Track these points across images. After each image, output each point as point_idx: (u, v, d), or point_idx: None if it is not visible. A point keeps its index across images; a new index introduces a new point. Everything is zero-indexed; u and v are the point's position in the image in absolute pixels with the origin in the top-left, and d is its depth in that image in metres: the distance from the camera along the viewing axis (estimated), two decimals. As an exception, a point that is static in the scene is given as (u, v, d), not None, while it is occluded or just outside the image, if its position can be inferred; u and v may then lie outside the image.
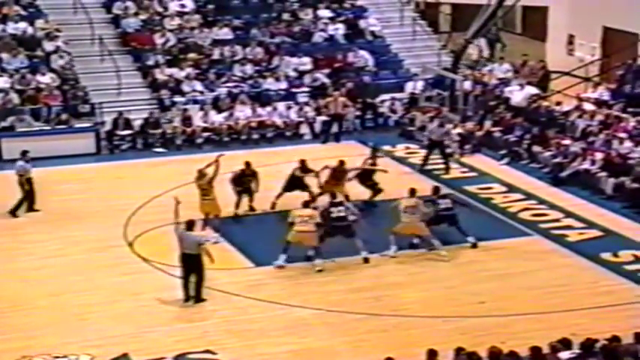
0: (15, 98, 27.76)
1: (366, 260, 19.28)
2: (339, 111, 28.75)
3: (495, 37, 33.76)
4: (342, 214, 19.40)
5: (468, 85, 30.26)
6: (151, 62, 30.07)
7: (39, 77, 28.48)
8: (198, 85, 29.60)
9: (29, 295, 17.85)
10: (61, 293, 17.88)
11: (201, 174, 20.55)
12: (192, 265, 17.39)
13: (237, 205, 21.61)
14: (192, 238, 17.50)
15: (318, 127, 29.11)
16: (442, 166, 25.57)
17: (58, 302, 17.51)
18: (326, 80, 30.57)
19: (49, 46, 29.59)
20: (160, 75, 29.63)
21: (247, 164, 22.02)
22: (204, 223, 20.22)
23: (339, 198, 20.93)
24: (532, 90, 29.40)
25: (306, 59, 31.14)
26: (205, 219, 20.31)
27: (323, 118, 29.04)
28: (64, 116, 27.40)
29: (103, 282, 18.39)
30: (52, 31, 29.98)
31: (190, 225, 17.65)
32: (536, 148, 25.93)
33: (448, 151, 26.40)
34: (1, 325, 16.65)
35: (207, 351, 15.75)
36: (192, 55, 30.47)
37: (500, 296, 17.82)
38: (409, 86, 30.85)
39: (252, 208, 21.96)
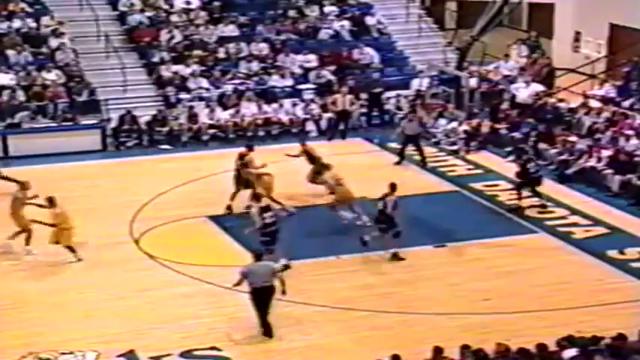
0: (21, 95, 27.81)
1: (287, 267, 18.43)
2: (346, 107, 28.76)
3: (535, 42, 33.54)
4: (273, 219, 18.68)
5: (473, 82, 30.24)
6: (156, 59, 30.09)
7: (44, 74, 28.52)
8: (204, 82, 29.60)
9: (35, 291, 17.88)
10: (67, 290, 17.91)
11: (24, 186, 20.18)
12: (266, 297, 16.09)
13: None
14: (266, 268, 16.21)
15: (324, 124, 29.11)
16: (419, 159, 25.72)
17: (64, 299, 17.54)
18: (331, 77, 30.56)
19: (54, 42, 29.64)
20: (166, 72, 29.64)
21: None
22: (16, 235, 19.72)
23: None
24: (538, 87, 29.38)
25: (312, 56, 31.12)
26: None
27: (329, 115, 29.03)
28: (69, 113, 27.45)
29: (109, 279, 18.39)
30: (57, 27, 30.03)
31: (259, 256, 16.52)
32: (542, 145, 25.89)
33: (455, 147, 26.52)
34: (8, 321, 16.69)
35: (213, 347, 15.77)
36: (197, 52, 30.48)
37: (505, 293, 17.81)
38: (415, 83, 30.83)
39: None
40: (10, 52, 29.12)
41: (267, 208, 18.69)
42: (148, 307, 17.21)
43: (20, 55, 29.08)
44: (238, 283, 16.24)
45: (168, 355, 15.49)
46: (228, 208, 21.65)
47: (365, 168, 25.05)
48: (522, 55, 32.73)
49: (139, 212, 21.64)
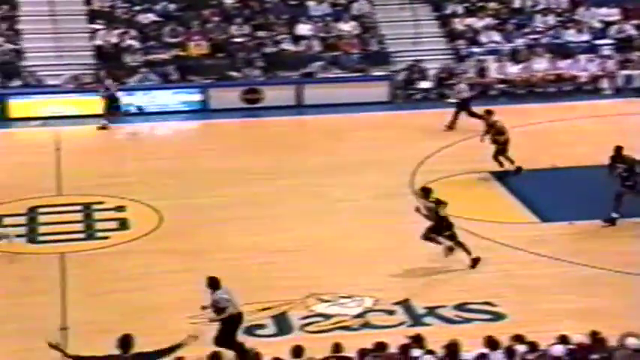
0: (316, 45, 28.73)
1: None
2: None
3: None
4: None
5: None
6: (449, 11, 30.04)
7: (341, 25, 29.27)
8: (496, 36, 29.28)
9: (319, 235, 18.46)
10: (349, 236, 18.34)
11: None
12: (241, 321, 14.25)
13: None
14: (232, 291, 14.20)
15: (620, 81, 27.97)
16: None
17: (346, 245, 17.97)
18: (634, 32, 29.20)
19: (352, -7, 30.28)
20: (459, 25, 29.56)
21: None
22: None
23: None
24: None
25: (615, 10, 29.87)
26: None
27: (627, 72, 27.85)
28: (361, 64, 28.07)
29: (388, 228, 18.66)
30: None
31: (217, 280, 14.06)
32: None
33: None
34: (292, 262, 17.35)
35: (488, 303, 15.69)
36: (492, 5, 30.13)
37: None
38: None
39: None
40: (311, 3, 30.08)
41: None
42: (424, 257, 17.34)
43: (320, 6, 29.97)
44: (230, 314, 13.90)
45: (442, 306, 15.60)
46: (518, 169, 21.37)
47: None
48: None
49: (421, 164, 21.83)
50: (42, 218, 19.57)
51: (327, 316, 15.43)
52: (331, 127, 25.13)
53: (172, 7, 29.67)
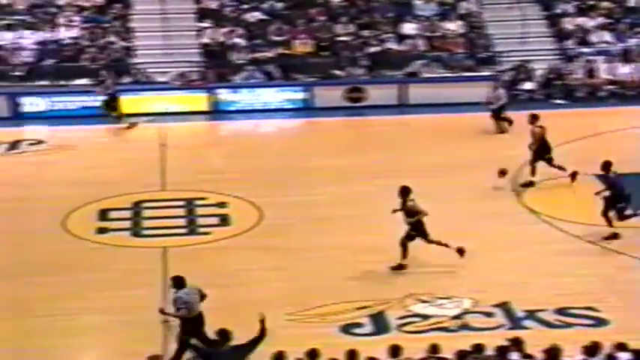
0: (421, 44, 28.58)
1: None
2: None
3: None
4: None
5: None
6: (559, 11, 29.53)
7: (446, 24, 29.06)
8: (607, 36, 28.68)
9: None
10: (449, 237, 17.88)
11: None
12: (202, 324, 14.15)
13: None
14: (196, 294, 14.22)
15: None
16: None
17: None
18: None
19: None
20: (568, 24, 29.05)
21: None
22: None
23: None
24: None
25: None
26: None
27: None
28: (467, 63, 27.82)
29: (488, 230, 18.47)
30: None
31: (182, 280, 14.22)
32: None
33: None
34: (391, 262, 17.15)
35: (590, 308, 15.43)
36: (605, 4, 29.53)
37: None
38: None
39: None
40: (418, 2, 29.93)
41: None
42: (525, 260, 17.16)
43: (427, 5, 29.81)
44: (181, 315, 13.92)
45: (542, 310, 15.39)
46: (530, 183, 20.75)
47: None
48: None
49: (524, 166, 21.46)
50: (146, 213, 19.99)
51: (424, 317, 15.42)
52: (434, 126, 24.99)
53: (279, 5, 29.93)
